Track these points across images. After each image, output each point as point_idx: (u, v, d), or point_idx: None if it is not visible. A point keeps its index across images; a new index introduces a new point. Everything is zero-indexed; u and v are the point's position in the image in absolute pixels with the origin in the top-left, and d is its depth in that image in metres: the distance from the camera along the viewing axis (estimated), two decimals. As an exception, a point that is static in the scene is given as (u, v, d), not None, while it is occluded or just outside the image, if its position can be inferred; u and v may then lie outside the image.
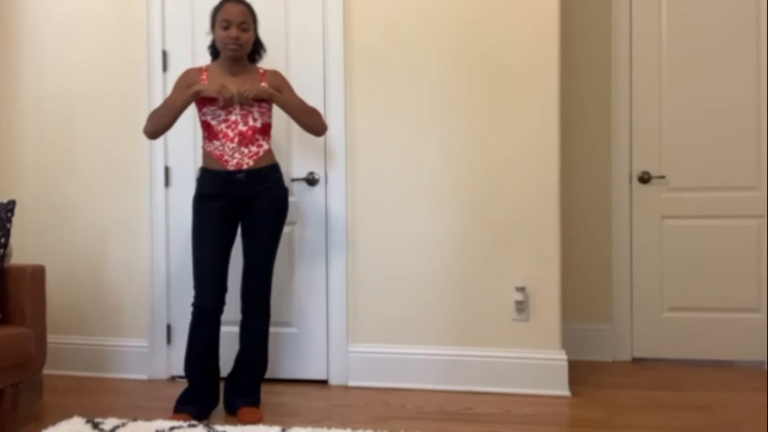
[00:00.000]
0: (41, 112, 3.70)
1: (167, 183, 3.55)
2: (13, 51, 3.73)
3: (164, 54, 3.54)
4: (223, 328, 2.93)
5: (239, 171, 2.88)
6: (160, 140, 3.52)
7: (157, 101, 3.52)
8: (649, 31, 3.80)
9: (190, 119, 3.51)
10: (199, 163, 3.52)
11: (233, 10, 2.87)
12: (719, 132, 3.74)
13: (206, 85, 2.85)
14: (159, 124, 2.92)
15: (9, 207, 2.93)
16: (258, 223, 2.93)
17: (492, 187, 3.28)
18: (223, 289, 2.89)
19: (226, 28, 2.86)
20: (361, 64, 3.38)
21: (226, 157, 2.89)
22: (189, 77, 2.95)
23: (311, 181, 3.42)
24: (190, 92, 2.84)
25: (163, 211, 3.54)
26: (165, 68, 3.54)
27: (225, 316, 2.91)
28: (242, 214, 2.94)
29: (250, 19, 2.92)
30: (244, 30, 2.88)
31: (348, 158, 3.39)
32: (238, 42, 2.87)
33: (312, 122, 3.00)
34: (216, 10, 2.92)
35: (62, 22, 3.67)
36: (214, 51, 3.03)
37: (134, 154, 3.59)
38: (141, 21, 3.55)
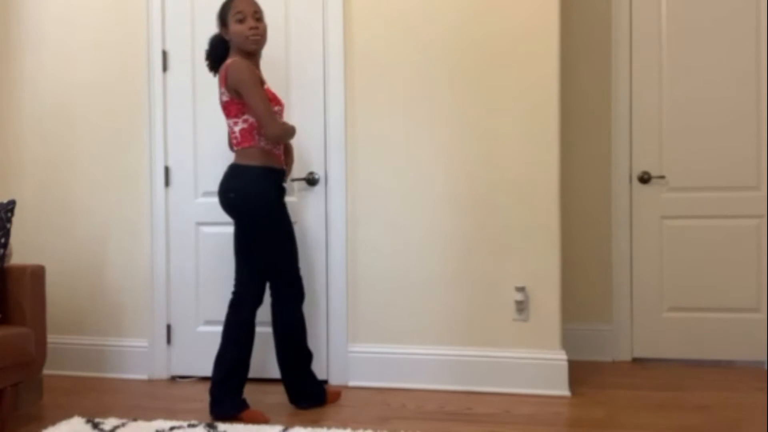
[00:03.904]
0: (41, 113, 3.70)
1: (167, 183, 3.55)
2: (13, 51, 3.73)
3: (164, 54, 3.54)
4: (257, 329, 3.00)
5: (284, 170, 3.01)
6: (159, 140, 3.53)
7: (158, 101, 3.53)
8: (649, 30, 3.80)
9: (189, 119, 3.52)
10: (201, 163, 3.54)
11: (245, 3, 2.86)
12: (719, 132, 3.74)
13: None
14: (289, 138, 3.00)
15: (9, 207, 2.93)
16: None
17: (492, 187, 3.27)
18: None
19: (242, 21, 2.83)
20: (360, 64, 3.38)
21: (281, 157, 2.99)
22: (254, 70, 2.87)
23: (311, 181, 3.42)
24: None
25: (163, 211, 3.54)
26: (165, 68, 3.54)
27: (258, 317, 3.00)
28: None
29: (260, 9, 2.91)
30: (259, 20, 2.88)
31: (348, 158, 3.39)
32: (258, 32, 2.86)
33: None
34: (226, 9, 2.88)
35: (62, 22, 3.66)
36: (220, 53, 2.95)
37: (134, 154, 3.58)
38: (141, 21, 3.55)
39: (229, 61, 2.86)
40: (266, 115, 2.81)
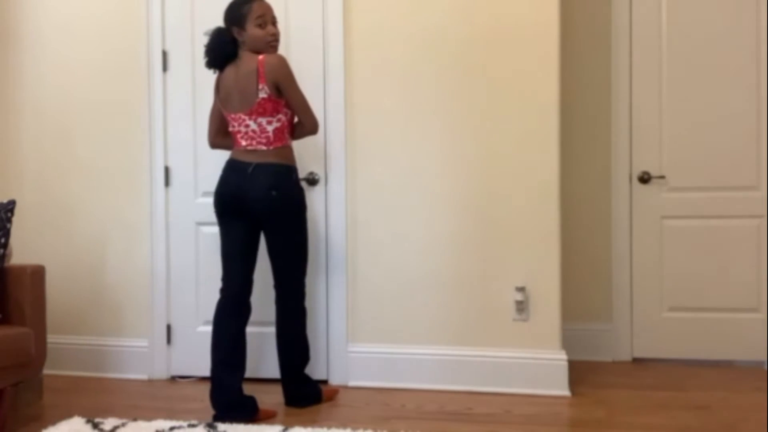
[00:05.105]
0: (41, 112, 3.70)
1: (167, 183, 3.55)
2: (13, 51, 3.73)
3: (164, 54, 3.54)
4: (251, 329, 3.02)
5: None
6: (159, 140, 3.53)
7: (158, 101, 3.53)
8: (649, 31, 3.80)
9: (189, 119, 3.52)
10: (201, 163, 3.55)
11: (264, 7, 2.89)
12: (719, 132, 3.74)
13: None
14: None
15: (9, 207, 2.93)
16: None
17: (492, 187, 3.27)
18: None
19: (262, 26, 2.86)
20: (361, 65, 3.38)
21: None
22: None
23: (311, 181, 3.42)
24: None
25: (163, 211, 3.54)
26: (165, 68, 3.54)
27: (254, 317, 3.02)
28: None
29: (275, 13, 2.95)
30: (275, 24, 2.92)
31: (348, 158, 3.39)
32: (277, 38, 2.90)
33: None
34: (243, 11, 2.85)
35: (62, 22, 3.67)
36: (227, 52, 2.89)
37: (134, 154, 3.59)
38: (141, 21, 3.55)
39: (260, 57, 2.83)
40: (309, 108, 2.90)
